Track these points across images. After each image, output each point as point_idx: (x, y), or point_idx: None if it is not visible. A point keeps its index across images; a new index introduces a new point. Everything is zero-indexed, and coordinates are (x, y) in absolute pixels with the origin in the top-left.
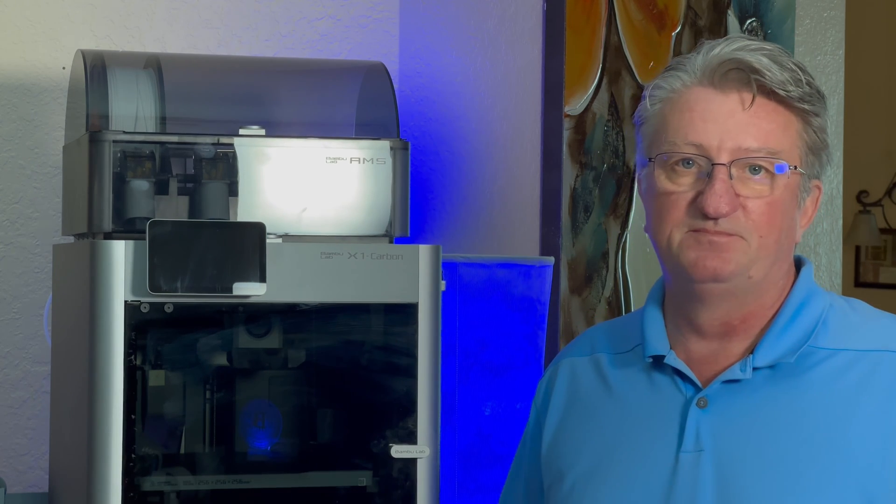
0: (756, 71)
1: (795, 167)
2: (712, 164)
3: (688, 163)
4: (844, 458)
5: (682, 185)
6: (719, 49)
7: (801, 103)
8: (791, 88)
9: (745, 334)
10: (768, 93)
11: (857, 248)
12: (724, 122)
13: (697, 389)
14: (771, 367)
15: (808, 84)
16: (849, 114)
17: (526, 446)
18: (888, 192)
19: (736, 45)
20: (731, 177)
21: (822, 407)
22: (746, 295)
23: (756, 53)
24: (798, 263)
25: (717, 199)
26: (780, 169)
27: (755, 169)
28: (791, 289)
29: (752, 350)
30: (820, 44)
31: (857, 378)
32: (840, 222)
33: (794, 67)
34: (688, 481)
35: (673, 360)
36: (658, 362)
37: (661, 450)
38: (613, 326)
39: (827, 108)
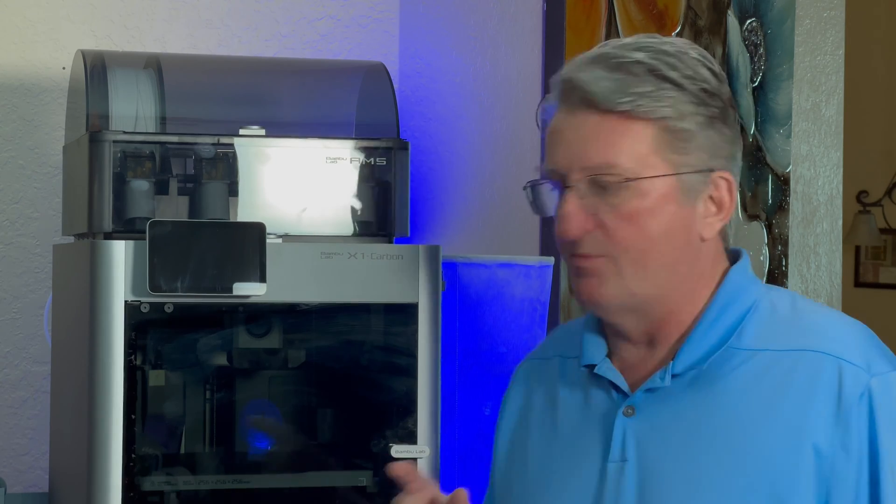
0: (584, 89)
1: (635, 180)
2: (562, 188)
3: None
4: (758, 461)
5: (554, 209)
6: (565, 66)
7: (634, 108)
8: (617, 98)
9: (668, 340)
10: (602, 108)
11: (857, 248)
12: (571, 142)
13: (626, 397)
14: (692, 371)
15: (654, 76)
16: (849, 114)
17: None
18: (888, 192)
19: (582, 57)
20: (580, 196)
21: (739, 411)
22: (648, 308)
23: (592, 66)
24: (735, 258)
25: (563, 224)
26: (621, 180)
27: (604, 185)
28: (715, 291)
29: (674, 355)
30: (820, 44)
31: (776, 380)
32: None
33: (632, 67)
34: (612, 492)
35: (603, 369)
36: (592, 370)
37: (592, 460)
38: (570, 329)
39: (703, 91)
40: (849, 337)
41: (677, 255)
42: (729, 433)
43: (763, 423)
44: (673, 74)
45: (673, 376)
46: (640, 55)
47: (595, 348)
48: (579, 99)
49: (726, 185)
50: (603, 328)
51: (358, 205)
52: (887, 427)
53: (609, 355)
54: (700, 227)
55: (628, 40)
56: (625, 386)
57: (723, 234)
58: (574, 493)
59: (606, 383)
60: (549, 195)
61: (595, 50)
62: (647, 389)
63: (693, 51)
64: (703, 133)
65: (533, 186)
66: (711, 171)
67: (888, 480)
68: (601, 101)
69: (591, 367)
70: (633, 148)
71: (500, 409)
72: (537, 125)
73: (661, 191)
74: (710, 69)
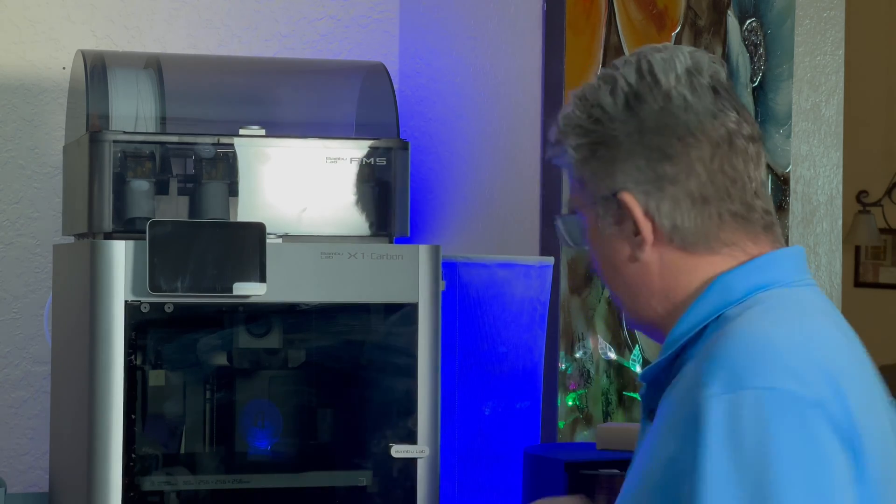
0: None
1: (571, 214)
2: None
3: None
4: (640, 477)
5: None
6: None
7: (553, 154)
8: (551, 153)
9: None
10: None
11: (857, 248)
12: None
13: None
14: (651, 381)
15: (563, 121)
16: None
17: None
18: (888, 192)
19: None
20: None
21: (659, 418)
22: (649, 329)
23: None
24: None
25: None
26: (564, 219)
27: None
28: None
29: None
30: (820, 44)
31: (669, 394)
32: (840, 222)
33: (562, 120)
34: None
35: (642, 374)
36: None
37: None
38: None
39: (576, 133)
40: (732, 349)
41: (626, 281)
42: (645, 450)
43: (651, 436)
44: (563, 121)
45: (648, 385)
46: (570, 106)
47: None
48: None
49: (626, 204)
50: None
51: (358, 205)
52: (688, 443)
53: None
54: (630, 249)
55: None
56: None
57: (687, 244)
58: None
59: None
60: None
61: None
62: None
63: (609, 71)
64: (590, 162)
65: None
66: (614, 194)
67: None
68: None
69: None
70: (572, 187)
71: None
72: None
73: (588, 225)
74: (610, 90)
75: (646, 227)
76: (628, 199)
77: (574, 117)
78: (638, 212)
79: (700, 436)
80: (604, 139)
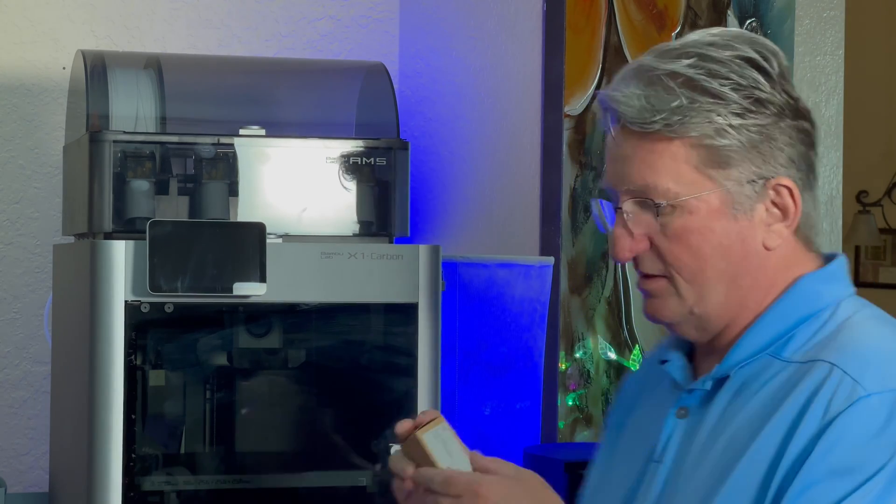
0: (615, 109)
1: (674, 202)
2: (614, 209)
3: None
4: (747, 471)
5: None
6: (610, 83)
7: (664, 127)
8: (646, 118)
9: (724, 349)
10: (636, 129)
11: (857, 248)
12: (615, 161)
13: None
14: (732, 378)
15: (689, 87)
16: (849, 114)
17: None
18: (888, 192)
19: (626, 69)
20: (628, 217)
21: (753, 417)
22: (708, 325)
23: (627, 82)
24: (824, 262)
25: (613, 249)
26: (663, 204)
27: (649, 206)
28: (778, 296)
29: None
30: (820, 44)
31: (789, 386)
32: (840, 222)
33: (665, 80)
34: (643, 492)
35: (671, 366)
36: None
37: (639, 457)
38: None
39: (724, 99)
40: (868, 352)
41: (736, 270)
42: (738, 443)
43: (759, 431)
44: (713, 85)
45: (719, 381)
46: (678, 65)
47: (672, 347)
48: (616, 118)
49: (787, 192)
50: None
51: (358, 205)
52: (847, 439)
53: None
54: (763, 236)
55: (675, 45)
56: (685, 385)
57: (802, 237)
58: (616, 485)
59: (673, 382)
60: (608, 212)
61: (639, 59)
62: (689, 390)
63: (745, 47)
64: (750, 144)
65: (600, 201)
66: (766, 179)
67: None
68: (632, 122)
69: (663, 363)
70: (671, 168)
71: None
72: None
73: (708, 207)
74: (761, 69)
75: (798, 217)
76: (790, 184)
77: (748, 83)
78: (798, 200)
79: (875, 431)
80: (766, 122)
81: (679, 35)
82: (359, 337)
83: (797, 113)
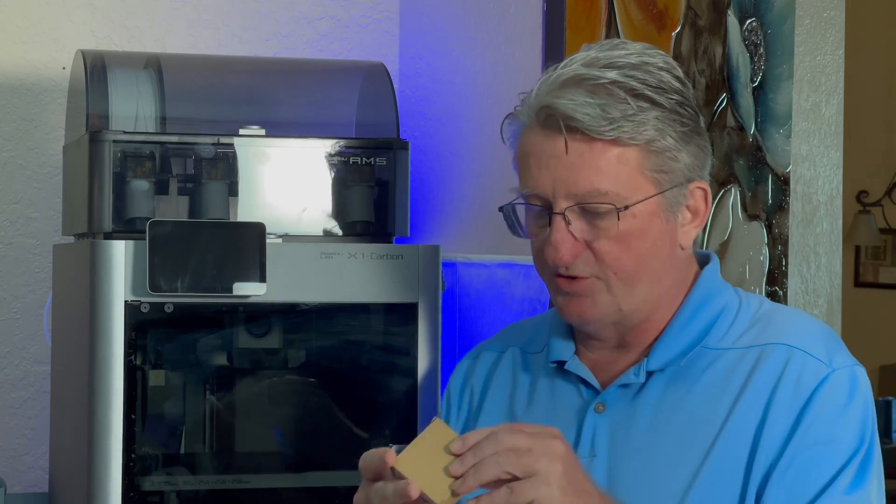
0: (567, 116)
1: (626, 207)
2: (549, 214)
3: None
4: (721, 452)
5: (536, 231)
6: (538, 88)
7: (621, 133)
8: (603, 126)
9: (641, 343)
10: (587, 135)
11: (857, 248)
12: (555, 167)
13: (597, 394)
14: (663, 370)
15: (633, 96)
16: (849, 114)
17: None
18: (888, 192)
19: (555, 79)
20: (568, 222)
21: (707, 405)
22: (627, 320)
23: (570, 91)
24: (704, 261)
25: (553, 252)
26: (615, 209)
27: (592, 211)
28: (687, 294)
29: (647, 354)
30: (820, 44)
31: (742, 373)
32: (840, 222)
33: (610, 88)
34: None
35: (574, 366)
36: (562, 366)
37: None
38: (527, 325)
39: (681, 97)
40: (813, 333)
41: (662, 268)
42: (697, 427)
43: (728, 416)
44: (648, 91)
45: (648, 374)
46: (612, 74)
47: (564, 346)
48: (562, 125)
49: (702, 194)
50: (570, 327)
51: (358, 205)
52: (824, 416)
53: (576, 353)
54: (679, 236)
55: (592, 55)
56: (595, 383)
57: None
58: None
59: (574, 380)
60: (532, 218)
61: (564, 70)
62: (620, 385)
63: (656, 57)
64: (685, 148)
65: (513, 208)
66: (689, 181)
67: (785, 459)
68: (586, 128)
69: (560, 363)
70: (620, 173)
71: (451, 391)
72: (502, 139)
73: (648, 210)
74: (674, 76)
75: (706, 218)
76: (706, 187)
77: (670, 89)
78: (709, 203)
79: (843, 404)
80: (698, 129)
81: (679, 35)
82: (359, 337)
83: (702, 120)
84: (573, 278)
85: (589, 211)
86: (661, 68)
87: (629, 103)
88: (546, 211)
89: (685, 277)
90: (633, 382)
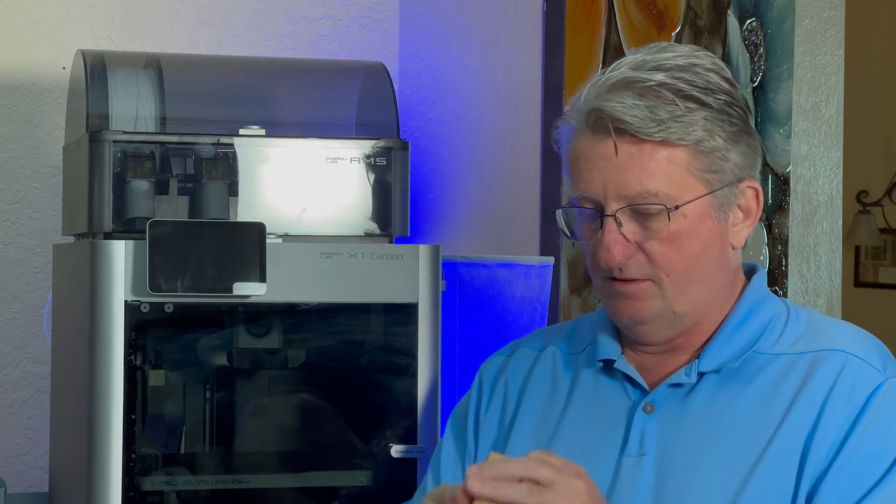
0: (615, 119)
1: (676, 207)
2: (601, 216)
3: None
4: (774, 456)
5: (589, 234)
6: (586, 92)
7: (669, 134)
8: (651, 127)
9: (692, 345)
10: (636, 137)
11: (857, 248)
12: (605, 169)
13: (645, 394)
14: (716, 371)
15: (681, 97)
16: (849, 114)
17: (468, 419)
18: (888, 192)
19: (604, 82)
20: (620, 224)
21: (758, 407)
22: (681, 323)
23: (619, 94)
24: (751, 271)
25: (606, 253)
26: (665, 209)
27: (643, 212)
28: (738, 299)
29: (698, 356)
30: (820, 44)
31: (796, 378)
32: (840, 222)
33: (658, 90)
34: (627, 485)
35: (623, 364)
36: (608, 366)
37: (605, 453)
38: (566, 327)
39: (730, 99)
40: (866, 342)
41: (715, 269)
42: (748, 429)
43: (782, 420)
44: (695, 92)
45: (699, 375)
46: (660, 76)
47: (611, 346)
48: (610, 127)
49: (753, 193)
50: (616, 329)
51: (358, 205)
52: (877, 424)
53: (622, 354)
54: (731, 236)
55: (640, 59)
56: (644, 383)
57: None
58: None
59: (621, 378)
60: (584, 222)
61: (612, 74)
62: (671, 385)
63: (704, 59)
64: (734, 147)
65: (566, 211)
66: (740, 181)
67: (838, 466)
68: (635, 130)
69: (607, 362)
70: (669, 173)
71: (485, 381)
72: (554, 145)
73: (699, 210)
74: (722, 77)
75: (758, 218)
76: (757, 186)
77: (718, 90)
78: (761, 202)
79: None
80: (748, 128)
81: (679, 35)
82: (359, 337)
83: (751, 119)
84: (627, 280)
85: (640, 212)
86: (708, 69)
87: (677, 104)
88: (598, 214)
89: (734, 283)
90: (685, 382)
